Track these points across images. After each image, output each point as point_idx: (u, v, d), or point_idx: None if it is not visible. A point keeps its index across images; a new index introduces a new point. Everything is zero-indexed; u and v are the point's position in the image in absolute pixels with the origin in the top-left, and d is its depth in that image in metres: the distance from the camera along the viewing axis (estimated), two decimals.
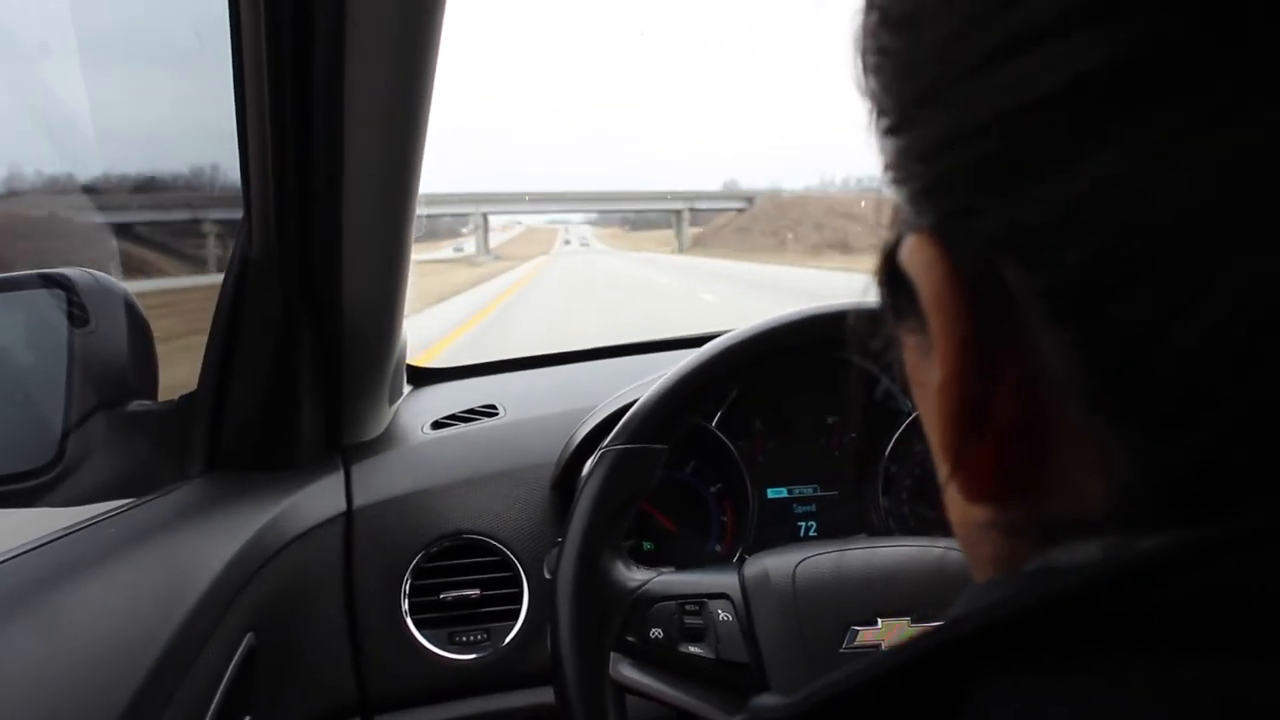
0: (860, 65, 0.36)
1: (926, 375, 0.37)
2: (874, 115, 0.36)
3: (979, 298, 0.34)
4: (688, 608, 1.02)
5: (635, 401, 1.09)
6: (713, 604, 1.02)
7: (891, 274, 0.38)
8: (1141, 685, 0.28)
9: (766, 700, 0.37)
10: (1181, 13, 0.26)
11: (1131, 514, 0.31)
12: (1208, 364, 0.27)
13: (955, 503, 0.39)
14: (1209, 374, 0.28)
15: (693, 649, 1.00)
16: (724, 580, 1.03)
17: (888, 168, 0.36)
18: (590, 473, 1.05)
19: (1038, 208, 0.30)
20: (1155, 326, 0.28)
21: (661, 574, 1.06)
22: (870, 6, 0.35)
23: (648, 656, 1.00)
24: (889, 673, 0.33)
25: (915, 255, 0.35)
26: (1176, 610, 0.28)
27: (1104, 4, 0.28)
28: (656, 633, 0.99)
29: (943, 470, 0.37)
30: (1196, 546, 0.28)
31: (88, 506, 1.03)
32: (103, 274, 1.09)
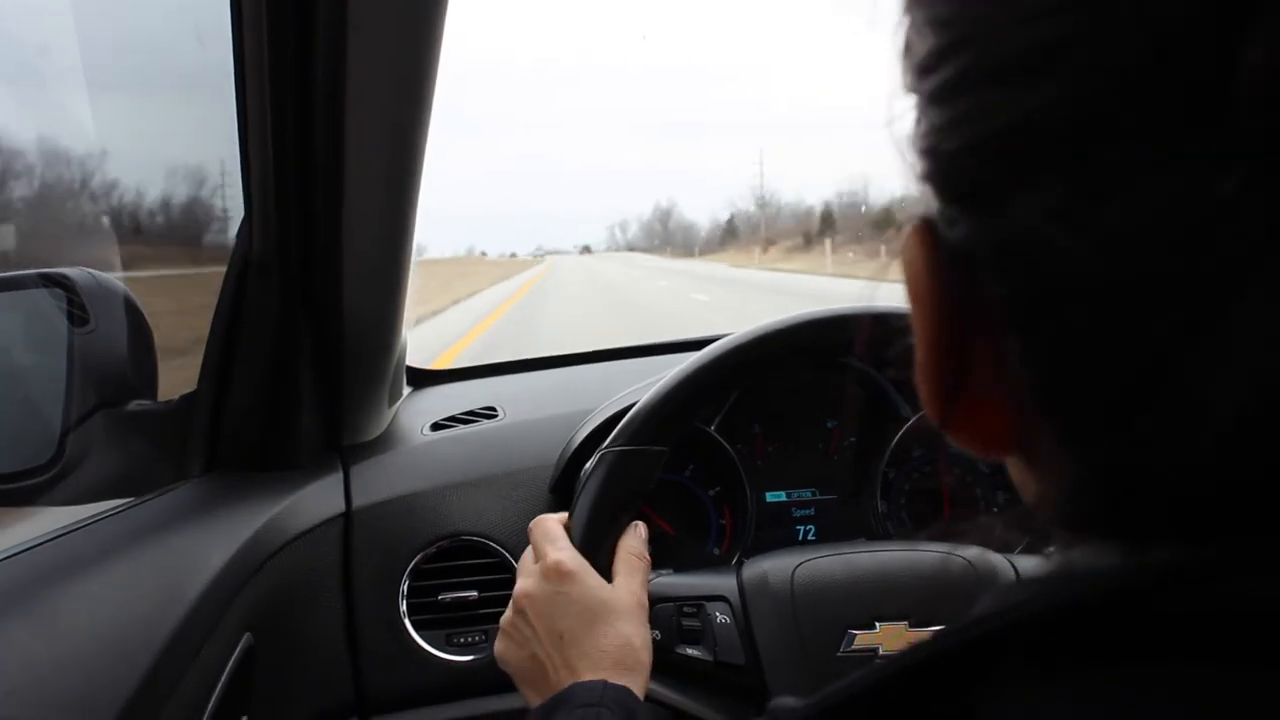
0: (899, 46, 0.38)
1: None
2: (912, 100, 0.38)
3: (953, 296, 0.36)
4: (686, 609, 1.02)
5: (635, 404, 1.09)
6: (711, 606, 1.02)
7: None
8: (1158, 692, 0.29)
9: (785, 702, 0.38)
10: (1114, 70, 0.28)
11: (1075, 514, 0.34)
12: (1125, 384, 0.30)
13: None
14: (1128, 393, 0.30)
15: (690, 651, 1.00)
16: (722, 583, 1.04)
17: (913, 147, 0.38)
18: (590, 474, 1.05)
19: (993, 227, 0.32)
20: (1079, 349, 0.31)
21: (660, 575, 1.06)
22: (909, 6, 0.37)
23: None
24: (906, 672, 0.34)
25: (907, 243, 0.37)
26: (1192, 620, 0.29)
27: (1047, 53, 0.29)
28: (654, 634, 0.99)
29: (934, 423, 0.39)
30: (1215, 560, 0.29)
31: (87, 505, 1.04)
32: (103, 274, 1.09)
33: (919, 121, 0.36)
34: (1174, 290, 0.28)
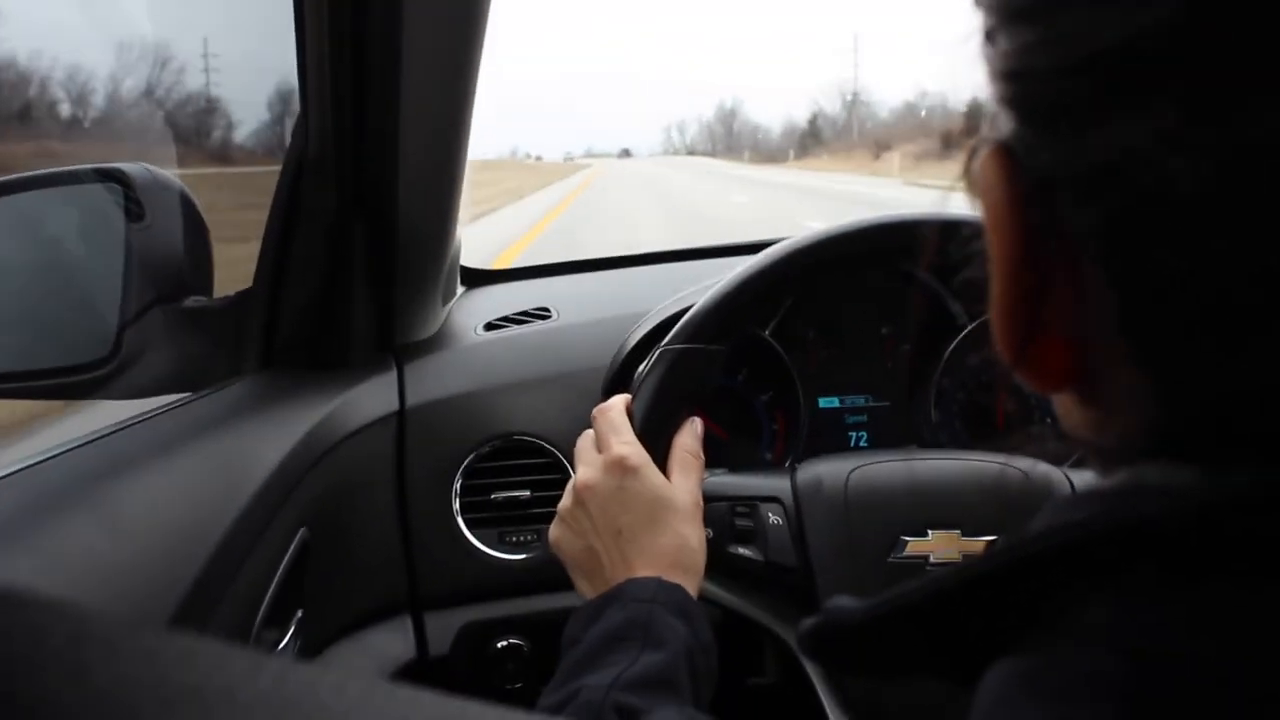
0: None
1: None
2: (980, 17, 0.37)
3: (1033, 225, 0.35)
4: (739, 509, 1.03)
5: (692, 306, 1.08)
6: (764, 507, 1.02)
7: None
8: (1237, 611, 0.28)
9: (843, 601, 0.38)
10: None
11: (1154, 446, 0.33)
12: (1220, 320, 0.29)
13: None
14: (1221, 330, 0.29)
15: (742, 550, 1.01)
16: (776, 484, 1.04)
17: (987, 69, 0.36)
18: (648, 371, 1.04)
19: (1081, 153, 0.31)
20: (1175, 280, 0.30)
21: (715, 474, 1.06)
22: None
23: None
24: (969, 582, 0.34)
25: (984, 170, 0.36)
26: (1266, 542, 0.28)
27: None
28: (707, 532, 0.99)
29: (1006, 363, 0.39)
30: None
31: (143, 400, 1.05)
32: (159, 169, 1.09)
33: (995, 41, 0.34)
34: None
